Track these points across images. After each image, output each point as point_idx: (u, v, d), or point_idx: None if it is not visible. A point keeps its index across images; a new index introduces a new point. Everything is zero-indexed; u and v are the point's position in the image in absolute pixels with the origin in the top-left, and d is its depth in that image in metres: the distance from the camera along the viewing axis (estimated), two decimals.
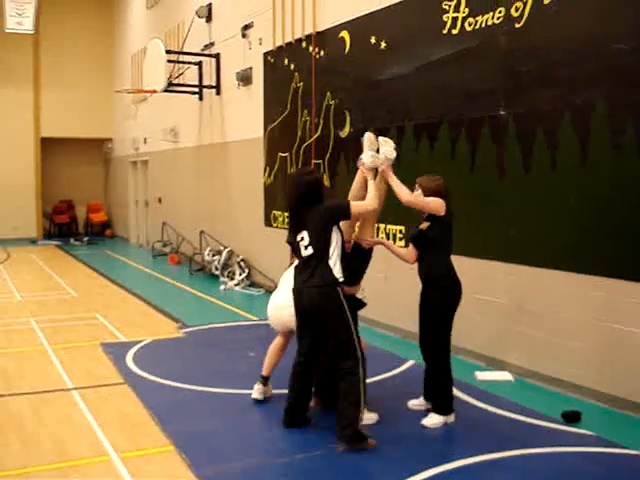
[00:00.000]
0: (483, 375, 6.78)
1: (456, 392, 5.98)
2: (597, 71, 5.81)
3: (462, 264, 7.33)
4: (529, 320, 6.65)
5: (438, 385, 5.54)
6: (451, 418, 5.51)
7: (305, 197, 5.11)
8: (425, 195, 5.43)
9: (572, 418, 5.46)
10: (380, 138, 5.49)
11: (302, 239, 5.12)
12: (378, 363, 6.76)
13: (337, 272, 5.05)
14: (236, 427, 5.48)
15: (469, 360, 7.32)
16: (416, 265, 5.59)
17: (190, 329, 9.02)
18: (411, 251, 5.58)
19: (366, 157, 5.42)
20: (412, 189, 5.47)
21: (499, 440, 5.10)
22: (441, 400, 5.50)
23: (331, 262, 5.05)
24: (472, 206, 7.18)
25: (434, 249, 5.42)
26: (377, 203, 5.28)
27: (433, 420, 5.45)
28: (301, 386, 5.39)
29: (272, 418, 5.64)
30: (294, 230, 5.21)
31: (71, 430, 5.45)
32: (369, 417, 5.39)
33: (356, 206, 5.13)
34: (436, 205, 5.34)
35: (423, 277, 5.52)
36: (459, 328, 7.42)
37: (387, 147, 5.44)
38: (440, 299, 5.42)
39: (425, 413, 5.60)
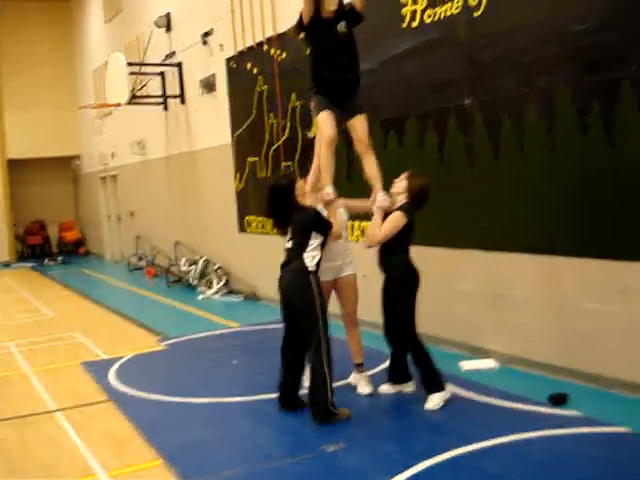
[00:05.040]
0: (467, 365, 6.79)
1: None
2: (557, 54, 5.83)
3: (438, 255, 7.41)
4: (507, 306, 6.68)
5: (421, 366, 5.69)
6: (448, 394, 5.68)
7: (278, 202, 5.73)
8: (409, 187, 5.73)
9: (559, 400, 5.48)
10: None
11: (286, 234, 5.72)
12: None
13: (310, 262, 5.50)
14: (224, 435, 5.45)
15: (453, 351, 7.32)
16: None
17: (171, 341, 8.95)
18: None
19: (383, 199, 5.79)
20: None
21: (489, 428, 5.09)
22: (430, 379, 5.67)
23: (306, 254, 5.51)
24: (444, 197, 7.18)
25: (396, 244, 5.69)
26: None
27: (434, 401, 5.60)
28: (287, 364, 5.72)
29: (260, 424, 5.62)
30: (280, 228, 5.80)
31: (57, 452, 5.37)
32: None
33: (333, 233, 5.62)
34: (397, 225, 5.63)
35: (385, 269, 5.84)
36: (440, 319, 7.50)
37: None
38: (401, 289, 5.74)
39: (397, 396, 5.87)
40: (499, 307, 6.78)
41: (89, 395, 6.85)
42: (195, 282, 13.13)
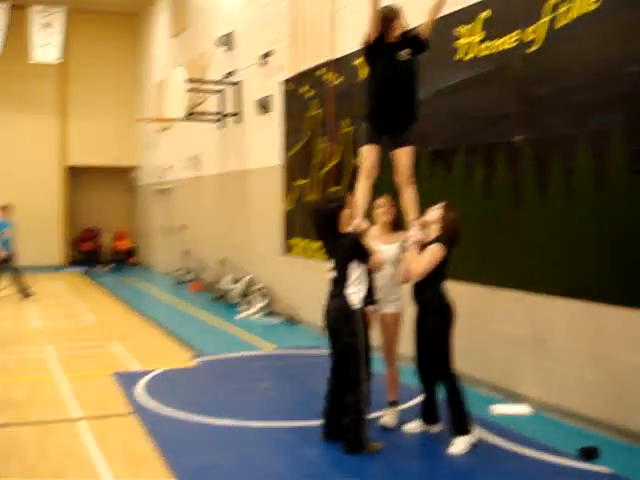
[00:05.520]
0: (499, 409, 6.56)
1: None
2: (612, 95, 5.66)
3: (477, 292, 7.23)
4: (545, 351, 6.45)
5: (453, 404, 5.49)
6: (474, 438, 5.48)
7: (324, 226, 5.60)
8: (443, 217, 5.57)
9: (590, 454, 5.24)
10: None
11: (330, 261, 5.60)
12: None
13: (354, 298, 5.38)
14: (240, 462, 5.32)
15: (485, 393, 7.11)
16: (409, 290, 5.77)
17: (204, 358, 8.90)
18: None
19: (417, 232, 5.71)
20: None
21: (513, 479, 4.89)
22: (459, 420, 5.47)
23: (350, 289, 5.39)
24: (488, 233, 7.02)
25: (431, 276, 5.52)
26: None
27: (459, 445, 5.40)
28: (330, 393, 5.60)
29: (278, 453, 5.51)
30: (329, 254, 5.65)
31: (73, 462, 5.34)
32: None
33: (374, 261, 5.45)
34: (436, 258, 5.48)
35: (420, 302, 5.65)
36: (476, 359, 7.29)
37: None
38: (437, 324, 5.56)
39: (423, 436, 5.68)
40: (537, 352, 6.55)
41: (114, 407, 6.82)
42: (237, 300, 13.11)
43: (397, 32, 5.62)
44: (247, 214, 13.54)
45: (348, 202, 5.54)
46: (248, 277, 13.20)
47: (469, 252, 7.23)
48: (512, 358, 6.85)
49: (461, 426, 5.47)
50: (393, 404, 6.06)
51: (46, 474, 5.11)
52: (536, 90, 6.39)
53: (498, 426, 6.06)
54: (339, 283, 5.45)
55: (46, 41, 18.90)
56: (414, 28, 5.79)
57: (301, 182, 11.09)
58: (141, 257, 23.29)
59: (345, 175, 9.71)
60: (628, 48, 5.55)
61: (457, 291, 7.31)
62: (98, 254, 23.68)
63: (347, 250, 5.42)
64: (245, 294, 13.05)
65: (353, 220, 5.54)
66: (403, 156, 5.78)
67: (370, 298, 5.50)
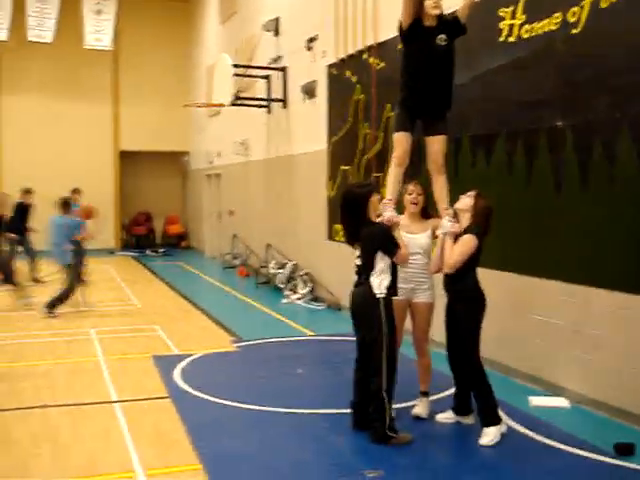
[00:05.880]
0: (537, 400, 6.41)
1: (506, 419, 5.71)
2: None
3: (515, 281, 7.09)
4: (584, 343, 6.27)
5: (480, 395, 5.43)
6: (503, 427, 5.41)
7: (348, 211, 5.49)
8: (475, 206, 5.46)
9: (625, 450, 5.08)
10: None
11: (356, 249, 5.54)
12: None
13: (378, 287, 5.29)
14: (267, 449, 5.32)
15: (525, 384, 6.97)
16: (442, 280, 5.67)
17: (244, 343, 8.94)
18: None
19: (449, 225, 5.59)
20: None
21: (545, 474, 4.78)
22: (486, 412, 5.39)
23: (374, 277, 5.30)
24: (527, 221, 6.86)
25: (463, 266, 5.42)
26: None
27: (488, 436, 5.32)
28: (357, 383, 5.56)
29: (307, 441, 5.49)
30: (349, 240, 5.58)
31: (104, 445, 5.42)
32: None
33: (401, 255, 5.31)
34: (470, 249, 5.38)
35: (451, 291, 5.56)
36: (513, 349, 7.16)
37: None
38: (468, 312, 5.48)
39: (455, 427, 5.63)
40: (575, 343, 6.38)
41: (151, 390, 6.90)
42: (282, 285, 13.13)
43: (434, 13, 5.43)
44: (293, 199, 13.52)
45: (377, 189, 5.47)
46: (293, 263, 13.21)
47: (506, 239, 7.10)
48: (552, 349, 6.69)
49: (488, 416, 5.38)
50: (424, 394, 5.97)
51: (78, 456, 5.19)
52: (579, 74, 6.19)
53: (534, 418, 5.93)
54: (364, 271, 5.37)
55: (99, 27, 19.13)
56: (452, 13, 5.63)
57: (345, 168, 11.01)
58: (192, 241, 23.51)
59: (387, 161, 9.58)
60: None
61: (496, 279, 7.23)
62: (150, 238, 23.99)
63: (375, 240, 5.34)
64: (290, 279, 13.07)
65: (382, 208, 5.45)
66: (436, 144, 5.67)
67: (394, 289, 5.38)
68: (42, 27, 18.75)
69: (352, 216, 5.46)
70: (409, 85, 5.63)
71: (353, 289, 5.54)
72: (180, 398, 6.57)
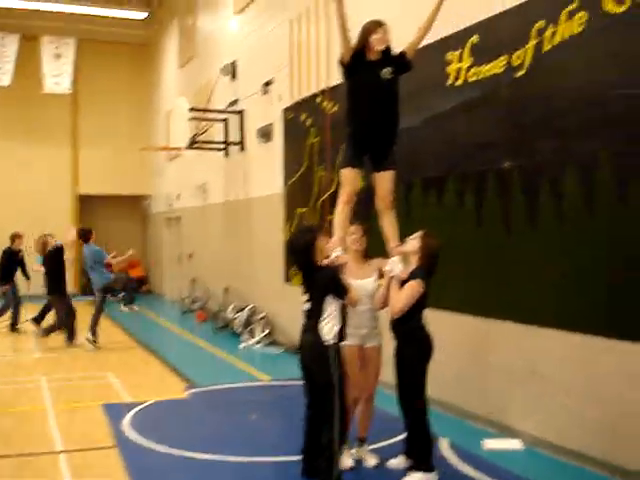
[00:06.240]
0: (491, 443, 6.34)
1: (457, 462, 5.63)
2: (598, 119, 5.51)
3: (468, 322, 7.06)
4: (538, 384, 6.23)
5: (416, 436, 5.36)
6: (434, 478, 5.28)
7: (296, 258, 5.37)
8: (422, 248, 5.39)
9: None
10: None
11: (304, 293, 5.30)
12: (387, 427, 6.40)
13: (328, 333, 5.11)
14: None
15: (479, 426, 6.90)
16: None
17: (197, 390, 8.75)
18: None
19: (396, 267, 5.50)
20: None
21: None
22: (420, 456, 5.32)
23: (323, 323, 5.12)
24: (479, 262, 6.87)
25: (410, 309, 5.36)
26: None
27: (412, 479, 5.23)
28: (307, 432, 5.35)
29: None
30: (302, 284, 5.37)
31: None
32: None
33: (351, 297, 5.22)
34: (415, 294, 5.33)
35: (398, 333, 5.48)
36: (467, 391, 7.10)
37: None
38: (414, 355, 5.39)
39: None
40: (529, 385, 6.34)
41: (98, 439, 6.69)
42: (239, 330, 12.97)
43: (378, 47, 5.37)
44: (250, 242, 13.45)
45: (324, 232, 5.36)
46: (250, 306, 13.07)
47: (460, 281, 7.10)
48: (508, 391, 6.64)
49: (422, 463, 5.29)
50: (363, 441, 5.88)
51: None
52: (523, 116, 6.26)
53: (486, 462, 5.85)
54: (312, 317, 5.19)
55: (58, 71, 19.06)
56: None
57: (301, 210, 11.00)
58: (153, 285, 23.23)
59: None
60: (613, 71, 5.41)
61: (451, 321, 7.22)
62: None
63: (324, 284, 5.17)
64: (248, 323, 12.91)
65: (329, 251, 5.31)
66: (384, 179, 5.54)
67: (343, 334, 5.23)
68: (0, 71, 18.65)
69: (299, 262, 5.32)
70: (354, 119, 5.53)
71: (301, 335, 5.34)
72: (127, 447, 6.37)
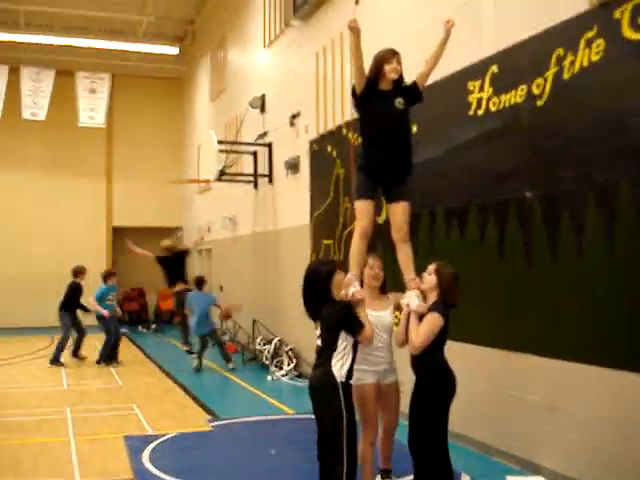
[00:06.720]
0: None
1: None
2: (619, 148, 5.40)
3: (491, 356, 6.92)
4: (563, 421, 6.06)
5: None
6: None
7: (310, 288, 5.07)
8: (439, 281, 5.22)
9: None
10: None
11: (316, 328, 5.05)
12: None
13: (338, 371, 4.89)
14: None
15: (503, 462, 6.72)
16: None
17: (220, 422, 8.70)
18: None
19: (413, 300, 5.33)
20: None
21: None
22: None
23: (335, 360, 4.89)
24: (501, 295, 6.75)
25: (430, 345, 5.15)
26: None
27: None
28: (320, 473, 5.05)
29: None
30: (312, 317, 5.11)
31: None
32: None
33: (365, 335, 4.95)
34: (435, 329, 5.13)
35: (418, 371, 5.25)
36: (490, 426, 6.94)
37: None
38: (434, 395, 5.15)
39: None
40: (551, 419, 6.17)
41: (116, 472, 6.67)
42: (267, 362, 12.91)
43: (392, 77, 5.35)
44: (278, 274, 13.43)
45: (340, 268, 5.14)
46: (278, 338, 13.01)
47: (480, 313, 6.98)
48: (529, 426, 6.47)
49: None
50: (387, 473, 5.74)
51: None
52: (544, 144, 6.17)
53: None
54: (324, 353, 4.95)
55: (92, 105, 19.41)
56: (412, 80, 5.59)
57: (327, 242, 10.96)
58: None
59: None
60: (634, 98, 5.31)
61: (471, 354, 7.09)
62: (142, 314, 23.77)
63: (337, 320, 4.94)
64: (275, 355, 12.85)
65: (345, 286, 5.14)
66: (399, 211, 5.45)
67: (352, 372, 4.96)
68: (36, 105, 19.03)
69: (314, 293, 5.05)
70: (367, 150, 5.48)
71: (312, 372, 5.16)
72: None
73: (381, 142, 5.38)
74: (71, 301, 14.32)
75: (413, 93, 5.45)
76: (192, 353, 13.77)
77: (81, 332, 14.50)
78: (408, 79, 5.56)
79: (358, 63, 5.31)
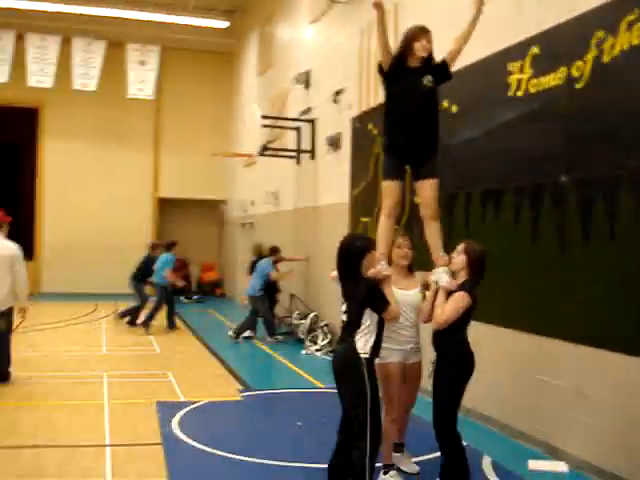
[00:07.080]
0: (536, 464, 6.16)
1: None
2: None
3: (517, 339, 6.91)
4: (589, 407, 6.02)
5: (452, 469, 5.17)
6: None
7: (344, 265, 5.09)
8: (469, 260, 5.21)
9: None
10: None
11: (343, 303, 5.10)
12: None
13: (362, 347, 4.91)
14: None
15: (526, 445, 6.72)
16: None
17: (250, 393, 8.84)
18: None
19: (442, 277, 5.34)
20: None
21: None
22: None
23: (359, 335, 4.92)
24: (533, 279, 6.70)
25: (454, 323, 5.16)
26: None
27: None
28: (337, 446, 5.17)
29: None
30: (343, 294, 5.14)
31: None
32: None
33: (391, 312, 4.94)
34: (461, 307, 5.13)
35: (440, 348, 5.27)
36: (518, 410, 6.93)
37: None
38: (454, 373, 5.19)
39: None
40: (578, 406, 6.14)
41: (144, 435, 6.84)
42: (303, 336, 13.03)
43: (422, 54, 5.29)
44: (316, 249, 13.51)
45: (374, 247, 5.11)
46: (314, 313, 13.11)
47: (511, 296, 6.95)
48: (554, 411, 6.45)
49: None
50: (400, 446, 5.79)
51: None
52: (582, 128, 6.08)
53: None
54: (349, 328, 4.97)
55: (141, 77, 19.61)
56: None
57: (365, 219, 10.97)
58: (227, 289, 23.57)
59: (404, 213, 9.51)
60: None
61: (498, 336, 7.08)
62: (185, 284, 24.08)
63: (363, 296, 4.93)
64: (311, 330, 12.95)
65: (374, 264, 5.08)
66: (427, 188, 5.41)
67: (377, 349, 4.99)
68: (87, 76, 19.31)
69: (347, 270, 5.07)
70: (394, 128, 5.41)
71: (336, 346, 5.21)
72: (172, 446, 6.49)
73: (404, 121, 5.33)
74: (145, 273, 15.11)
75: (442, 71, 5.38)
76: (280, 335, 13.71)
77: (144, 301, 15.24)
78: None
79: (383, 40, 5.27)
